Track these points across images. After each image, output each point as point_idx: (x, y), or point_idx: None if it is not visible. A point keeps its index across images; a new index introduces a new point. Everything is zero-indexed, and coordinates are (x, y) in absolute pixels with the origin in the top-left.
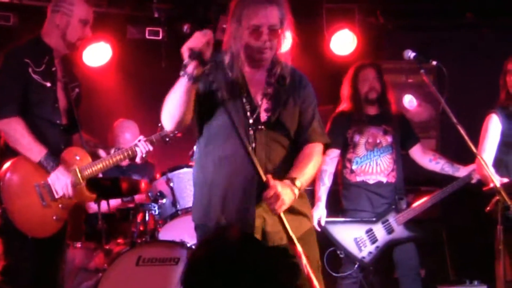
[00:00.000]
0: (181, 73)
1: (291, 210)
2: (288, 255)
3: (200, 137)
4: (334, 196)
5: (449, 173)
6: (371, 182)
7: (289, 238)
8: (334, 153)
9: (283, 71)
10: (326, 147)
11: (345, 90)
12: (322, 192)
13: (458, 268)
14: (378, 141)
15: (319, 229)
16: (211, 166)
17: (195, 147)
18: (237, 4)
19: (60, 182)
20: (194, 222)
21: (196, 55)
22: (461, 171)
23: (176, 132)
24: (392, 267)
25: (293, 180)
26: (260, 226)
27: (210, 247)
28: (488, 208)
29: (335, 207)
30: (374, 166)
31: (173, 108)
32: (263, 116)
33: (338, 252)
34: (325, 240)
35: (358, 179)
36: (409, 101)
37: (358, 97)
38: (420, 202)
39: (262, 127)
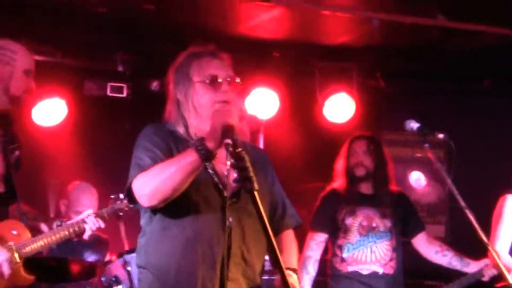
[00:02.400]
0: (199, 149)
1: None
2: None
3: (152, 216)
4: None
5: (457, 268)
6: (364, 272)
7: None
8: (321, 237)
9: (241, 139)
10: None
11: (339, 164)
12: (306, 283)
13: None
14: (374, 224)
15: None
16: (177, 252)
17: (147, 227)
18: (178, 67)
19: None
20: None
21: (232, 133)
22: (471, 267)
23: (131, 206)
24: None
25: (295, 272)
26: None
27: None
28: None
29: None
30: (369, 254)
31: (169, 188)
32: (232, 188)
33: None
34: None
35: (350, 269)
36: (416, 179)
37: (350, 173)
38: None
39: (234, 199)
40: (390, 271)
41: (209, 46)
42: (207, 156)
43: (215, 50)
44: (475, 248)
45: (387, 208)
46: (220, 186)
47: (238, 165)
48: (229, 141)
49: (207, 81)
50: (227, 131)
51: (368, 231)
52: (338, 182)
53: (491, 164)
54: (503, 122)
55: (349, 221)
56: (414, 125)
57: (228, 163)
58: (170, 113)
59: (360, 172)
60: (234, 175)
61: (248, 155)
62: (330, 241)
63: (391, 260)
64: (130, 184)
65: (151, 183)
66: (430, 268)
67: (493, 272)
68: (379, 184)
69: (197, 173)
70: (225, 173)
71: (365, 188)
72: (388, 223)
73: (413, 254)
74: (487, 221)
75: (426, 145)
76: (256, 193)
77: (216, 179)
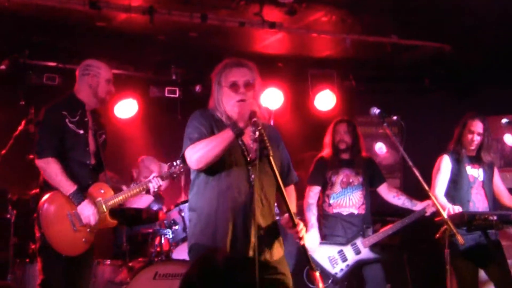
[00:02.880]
0: (234, 129)
1: (277, 240)
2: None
3: (199, 173)
4: None
5: (408, 207)
6: (344, 213)
7: (311, 267)
8: (317, 189)
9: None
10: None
11: (326, 139)
12: (314, 220)
13: (416, 284)
14: (351, 180)
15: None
16: (216, 197)
17: (195, 181)
18: (216, 74)
19: (86, 212)
20: (193, 244)
21: (255, 116)
22: (418, 206)
23: (182, 170)
24: (363, 285)
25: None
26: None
27: (202, 266)
28: (437, 235)
29: None
30: (347, 201)
31: (211, 155)
32: (254, 155)
33: (315, 268)
34: (304, 258)
35: (335, 211)
36: (380, 148)
37: (335, 146)
38: (383, 230)
39: (255, 163)
40: (362, 211)
41: (236, 59)
42: (239, 133)
43: (241, 60)
44: (421, 193)
45: (359, 168)
46: (245, 153)
47: (259, 138)
48: (255, 119)
49: (229, 86)
50: (252, 115)
51: (347, 185)
52: (326, 152)
53: (432, 137)
54: (440, 108)
55: (334, 178)
56: (376, 110)
57: (256, 133)
58: (211, 103)
59: (342, 146)
60: (255, 146)
61: (266, 132)
62: (321, 192)
63: (362, 204)
64: (183, 152)
65: (199, 153)
66: (390, 208)
67: (433, 209)
68: (354, 153)
69: (231, 145)
70: (251, 144)
71: (345, 156)
72: (360, 179)
73: (379, 199)
74: (427, 177)
75: (385, 124)
76: (271, 157)
77: (243, 148)
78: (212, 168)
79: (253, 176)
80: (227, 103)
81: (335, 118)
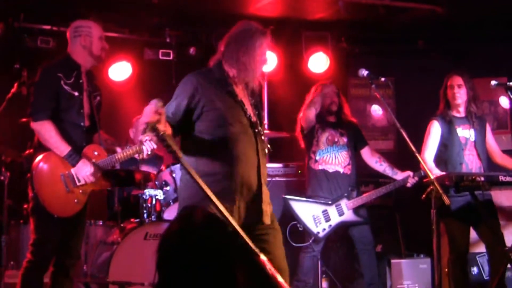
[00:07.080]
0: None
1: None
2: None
3: (204, 137)
4: (301, 184)
5: (388, 175)
6: (330, 170)
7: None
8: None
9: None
10: None
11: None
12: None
13: (408, 244)
14: (336, 139)
15: None
16: (229, 160)
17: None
18: (246, 37)
19: (82, 172)
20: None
21: (151, 127)
22: (398, 176)
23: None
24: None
25: None
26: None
27: (182, 223)
28: (423, 196)
29: (300, 192)
30: (333, 158)
31: None
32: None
33: (298, 225)
34: (288, 215)
35: (320, 167)
36: (375, 110)
37: (325, 108)
38: (366, 194)
39: (256, 129)
40: (347, 171)
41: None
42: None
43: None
44: (413, 157)
45: (344, 130)
46: (250, 119)
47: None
48: (145, 138)
49: (262, 56)
50: (149, 127)
51: (333, 143)
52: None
53: (426, 99)
54: (434, 70)
55: (320, 135)
56: (364, 72)
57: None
58: (214, 62)
59: (334, 108)
60: (253, 112)
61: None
62: (306, 150)
63: (348, 164)
64: None
65: None
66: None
67: (413, 181)
68: (341, 116)
69: None
70: (250, 111)
71: (332, 118)
72: (345, 139)
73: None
74: (422, 138)
75: (373, 86)
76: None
77: (247, 115)
78: (221, 135)
79: (257, 144)
80: (254, 71)
81: (321, 81)
